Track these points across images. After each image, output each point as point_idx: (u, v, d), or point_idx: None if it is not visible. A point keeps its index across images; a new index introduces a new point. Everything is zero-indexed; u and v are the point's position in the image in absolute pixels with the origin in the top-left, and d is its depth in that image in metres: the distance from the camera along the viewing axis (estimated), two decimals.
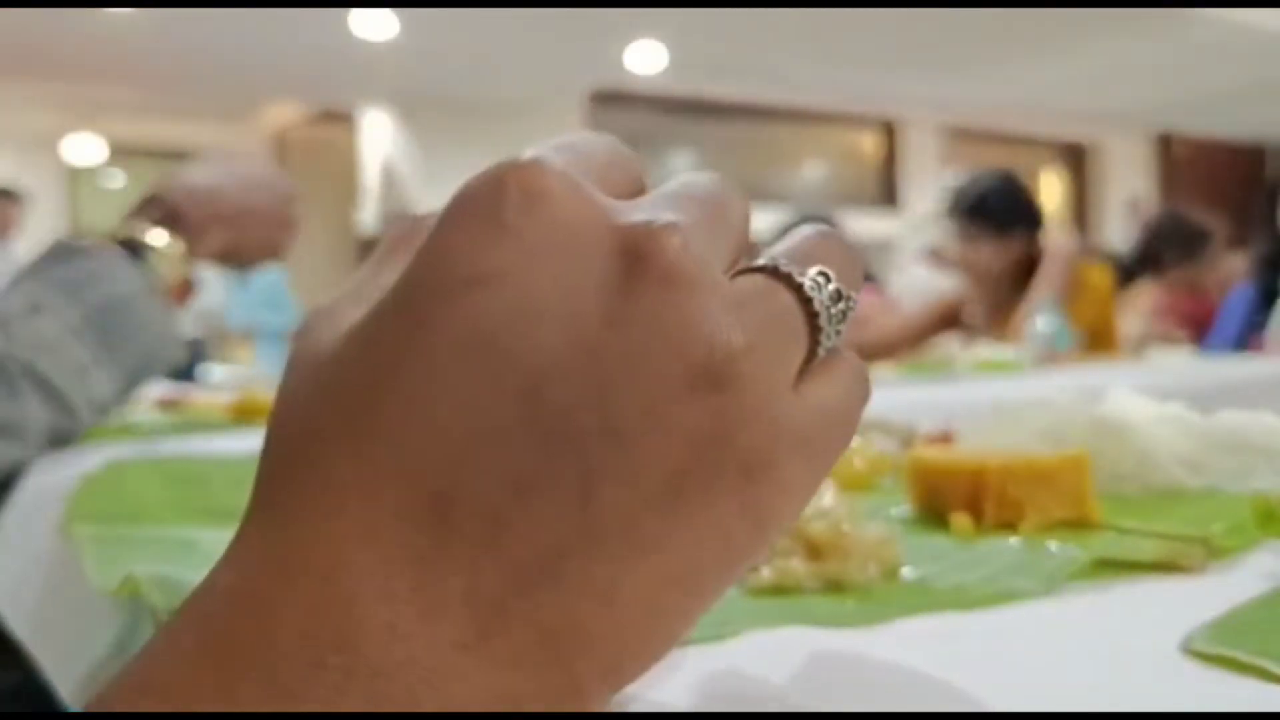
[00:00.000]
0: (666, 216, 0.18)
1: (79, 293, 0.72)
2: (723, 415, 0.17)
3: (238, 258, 0.85)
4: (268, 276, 5.94)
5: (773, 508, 0.18)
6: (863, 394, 0.21)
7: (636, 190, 0.21)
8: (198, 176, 0.83)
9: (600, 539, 0.16)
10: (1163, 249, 2.94)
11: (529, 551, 0.16)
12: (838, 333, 0.20)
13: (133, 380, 0.75)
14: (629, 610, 0.16)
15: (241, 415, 0.91)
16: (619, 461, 0.16)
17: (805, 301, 0.19)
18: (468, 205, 0.18)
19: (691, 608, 0.17)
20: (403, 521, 0.16)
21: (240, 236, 0.84)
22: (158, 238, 0.79)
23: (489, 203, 0.18)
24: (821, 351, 0.20)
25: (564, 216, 0.18)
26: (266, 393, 0.97)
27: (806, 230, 0.21)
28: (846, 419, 0.20)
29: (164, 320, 0.77)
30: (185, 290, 0.81)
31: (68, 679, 0.42)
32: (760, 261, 0.20)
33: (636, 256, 0.17)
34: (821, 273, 0.20)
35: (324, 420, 0.17)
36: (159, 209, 0.81)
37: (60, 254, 0.75)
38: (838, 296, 0.20)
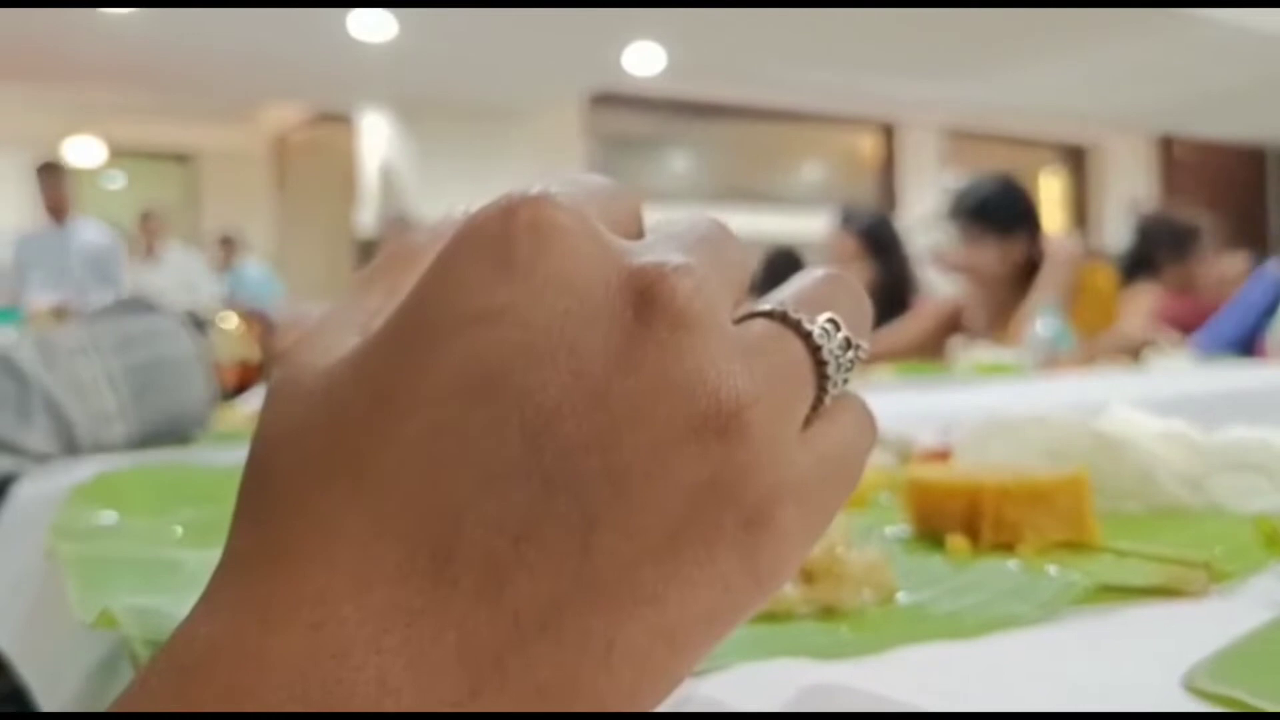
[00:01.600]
0: (678, 258, 0.17)
1: (130, 345, 0.75)
2: (727, 466, 0.17)
3: None
4: (255, 271, 5.95)
5: (773, 561, 0.17)
6: (868, 441, 0.20)
7: (637, 228, 0.20)
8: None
9: (598, 591, 0.16)
10: (1155, 250, 2.95)
11: (526, 604, 0.15)
12: (845, 380, 0.19)
13: (150, 439, 0.77)
14: (624, 664, 0.16)
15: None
16: (620, 509, 0.16)
17: (814, 350, 0.19)
18: (474, 238, 0.17)
19: (685, 661, 0.17)
20: (398, 573, 0.15)
21: None
22: (226, 319, 0.83)
23: (497, 236, 0.17)
24: (828, 400, 0.19)
25: (574, 253, 0.17)
26: None
27: (816, 274, 0.21)
28: (851, 468, 0.19)
29: (201, 391, 0.80)
30: (244, 375, 0.84)
31: (54, 697, 0.42)
32: (769, 307, 0.19)
33: (648, 298, 0.17)
34: (831, 320, 0.19)
35: (316, 460, 0.16)
36: (245, 307, 0.87)
37: (129, 307, 0.79)
38: (846, 345, 0.19)
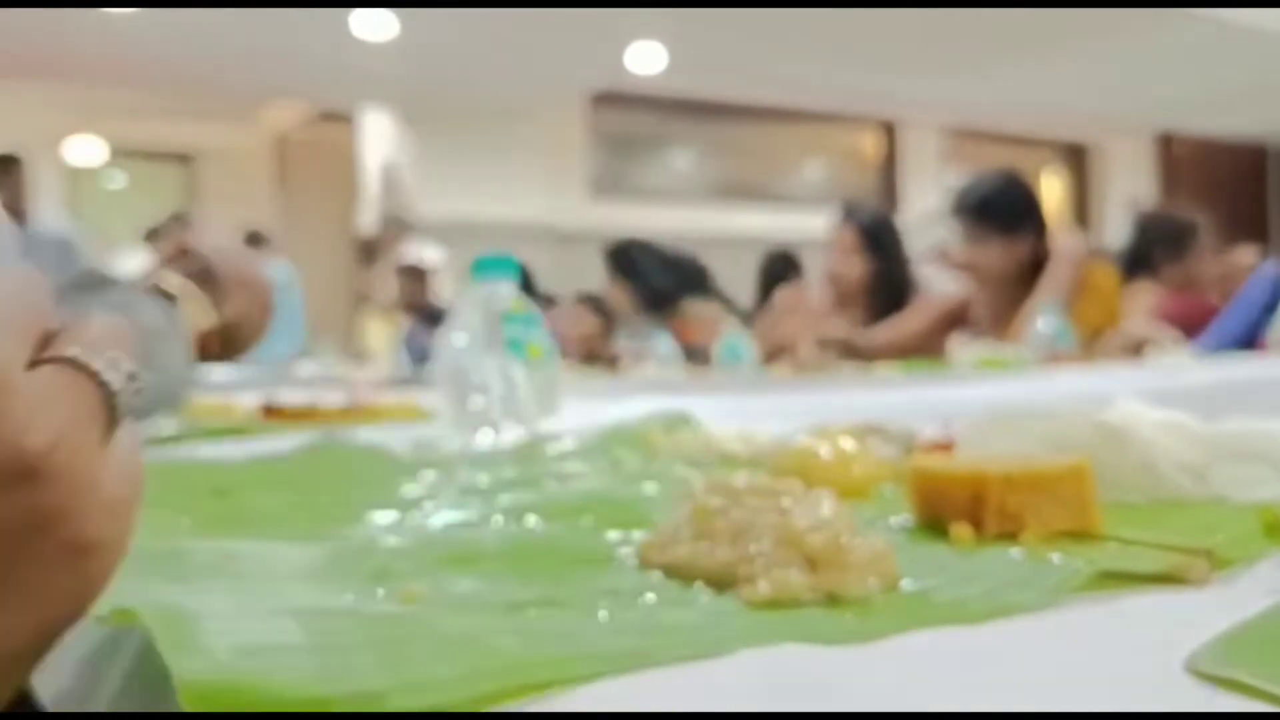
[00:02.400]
0: None
1: None
2: (42, 507, 0.18)
3: (239, 335, 0.87)
4: (280, 272, 5.90)
5: (100, 572, 0.20)
6: (139, 452, 0.23)
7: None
8: (222, 240, 0.87)
9: None
10: (1154, 248, 2.96)
11: None
12: (131, 408, 0.22)
13: (141, 416, 0.76)
14: None
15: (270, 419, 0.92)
16: None
17: (103, 385, 0.21)
18: None
19: (20, 672, 0.19)
20: None
21: (250, 309, 0.86)
22: (186, 291, 0.81)
23: None
24: (117, 428, 0.22)
25: None
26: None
27: (101, 317, 0.23)
28: (139, 474, 0.22)
29: (183, 361, 0.78)
30: (204, 342, 0.82)
31: (48, 685, 0.42)
32: (58, 353, 0.21)
33: None
34: (114, 356, 0.22)
35: None
36: (193, 263, 0.83)
37: (90, 282, 0.77)
38: (130, 376, 0.22)
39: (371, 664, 0.22)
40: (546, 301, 3.78)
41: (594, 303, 3.80)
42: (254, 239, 5.87)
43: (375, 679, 0.22)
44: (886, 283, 2.51)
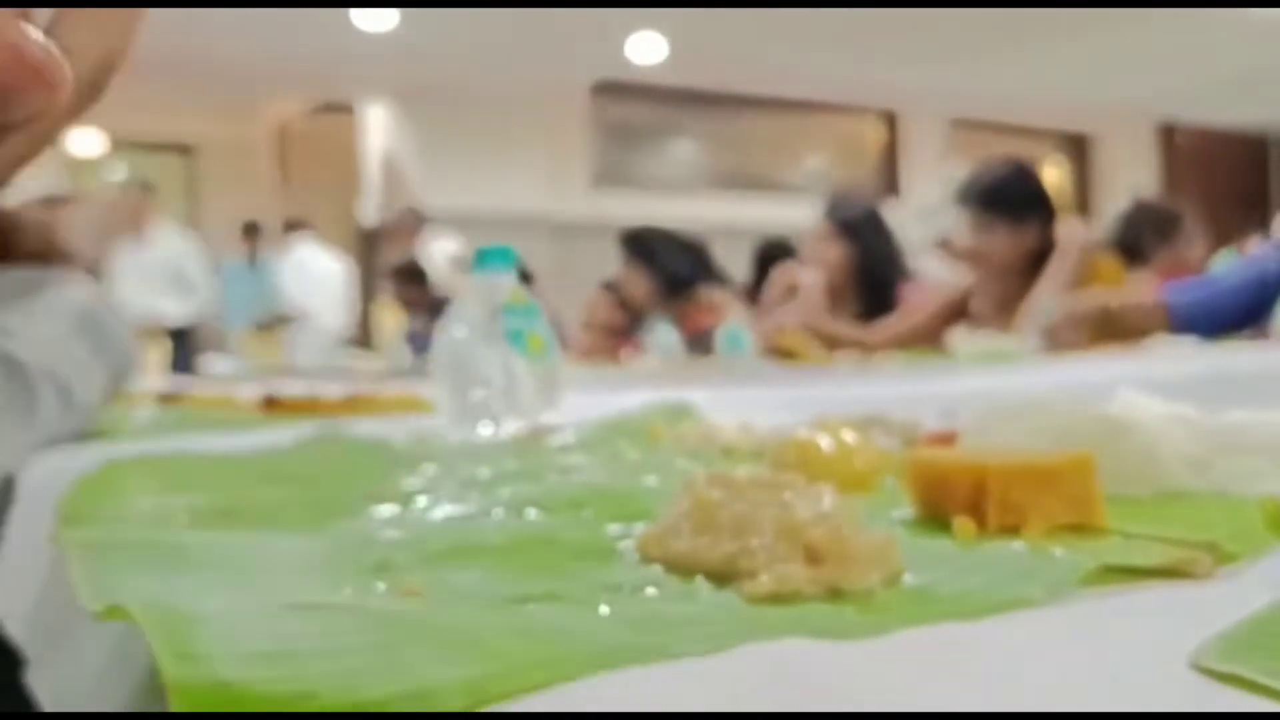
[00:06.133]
0: None
1: (57, 307, 0.77)
2: None
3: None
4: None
5: None
6: None
7: None
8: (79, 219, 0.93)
9: None
10: (1141, 237, 2.97)
11: None
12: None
13: (113, 384, 0.79)
14: None
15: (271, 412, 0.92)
16: None
17: None
18: None
19: None
20: None
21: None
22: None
23: None
24: None
25: None
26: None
27: None
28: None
29: (128, 330, 0.82)
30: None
31: (53, 684, 0.42)
32: None
33: None
34: None
35: None
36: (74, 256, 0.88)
37: (25, 283, 0.80)
38: None
39: (371, 667, 0.22)
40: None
41: (616, 292, 3.76)
42: (250, 231, 5.84)
43: (374, 687, 0.21)
44: (867, 271, 2.55)
